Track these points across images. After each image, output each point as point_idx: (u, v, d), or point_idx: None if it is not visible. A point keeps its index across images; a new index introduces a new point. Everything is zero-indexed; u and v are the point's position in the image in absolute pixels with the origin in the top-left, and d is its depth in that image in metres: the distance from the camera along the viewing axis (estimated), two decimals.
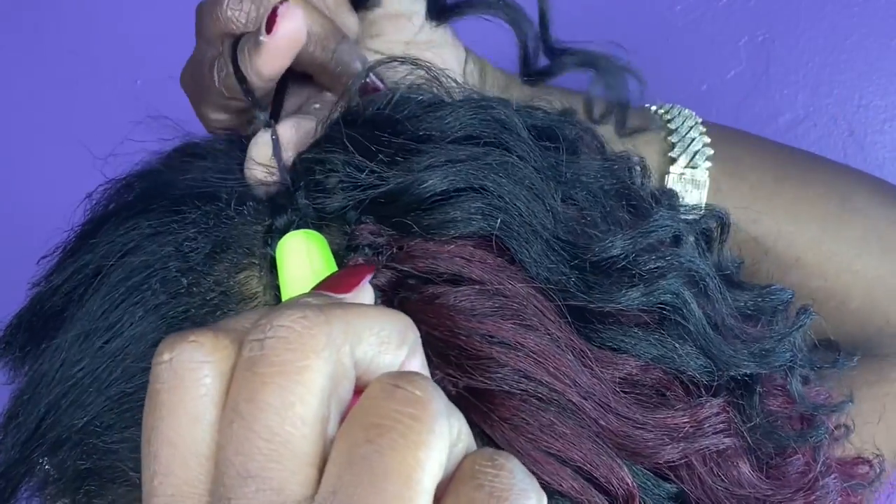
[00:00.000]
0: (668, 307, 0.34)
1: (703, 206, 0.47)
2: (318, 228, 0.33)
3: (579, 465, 0.31)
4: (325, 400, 0.23)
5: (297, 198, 0.34)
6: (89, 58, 0.89)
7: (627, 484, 0.31)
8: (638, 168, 0.39)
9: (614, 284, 0.33)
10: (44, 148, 0.92)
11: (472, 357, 0.31)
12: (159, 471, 0.24)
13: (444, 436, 0.23)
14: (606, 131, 0.48)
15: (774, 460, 0.36)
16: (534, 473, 0.27)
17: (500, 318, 0.31)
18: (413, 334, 0.26)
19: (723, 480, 0.34)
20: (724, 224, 0.40)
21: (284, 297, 0.31)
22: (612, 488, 0.31)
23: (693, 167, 0.52)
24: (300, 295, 0.27)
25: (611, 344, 0.33)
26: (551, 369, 0.31)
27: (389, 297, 0.32)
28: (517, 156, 0.35)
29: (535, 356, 0.31)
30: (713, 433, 0.33)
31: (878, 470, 0.43)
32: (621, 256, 0.34)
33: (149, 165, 0.39)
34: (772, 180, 0.54)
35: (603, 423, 0.31)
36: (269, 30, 0.36)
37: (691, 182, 0.52)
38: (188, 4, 0.90)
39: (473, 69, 0.49)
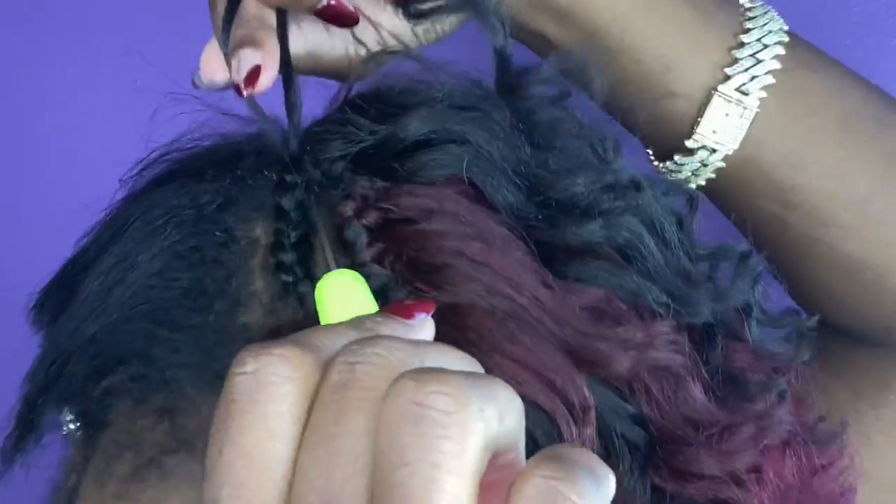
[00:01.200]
0: (628, 245, 0.38)
1: (676, 183, 0.46)
2: (324, 188, 0.37)
3: (541, 372, 0.33)
4: None
5: (305, 163, 0.38)
6: (89, 57, 0.89)
7: (584, 394, 0.34)
8: (610, 142, 0.42)
9: (577, 221, 0.37)
10: (43, 147, 0.92)
11: (442, 272, 0.34)
12: (230, 482, 0.23)
13: (482, 444, 0.22)
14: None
15: (731, 398, 0.39)
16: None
17: (469, 239, 0.35)
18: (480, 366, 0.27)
19: (675, 402, 0.36)
20: (693, 203, 0.44)
21: None
22: (570, 397, 0.33)
23: (744, 93, 0.49)
24: (368, 315, 0.28)
25: (575, 275, 0.37)
26: (514, 284, 0.35)
27: (376, 234, 0.36)
28: (494, 119, 0.39)
29: (499, 272, 0.35)
30: (664, 348, 0.36)
31: (839, 430, 0.43)
32: (583, 194, 0.38)
33: (172, 151, 0.43)
34: (836, 129, 0.50)
35: (560, 336, 0.34)
36: (248, 84, 0.39)
37: (737, 105, 0.49)
38: (188, 4, 0.90)
39: None
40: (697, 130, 0.49)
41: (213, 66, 0.42)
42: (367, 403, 0.23)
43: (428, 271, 0.35)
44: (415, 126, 0.38)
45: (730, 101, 0.49)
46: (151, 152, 0.43)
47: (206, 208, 0.38)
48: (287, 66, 0.41)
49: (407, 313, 0.29)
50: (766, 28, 0.50)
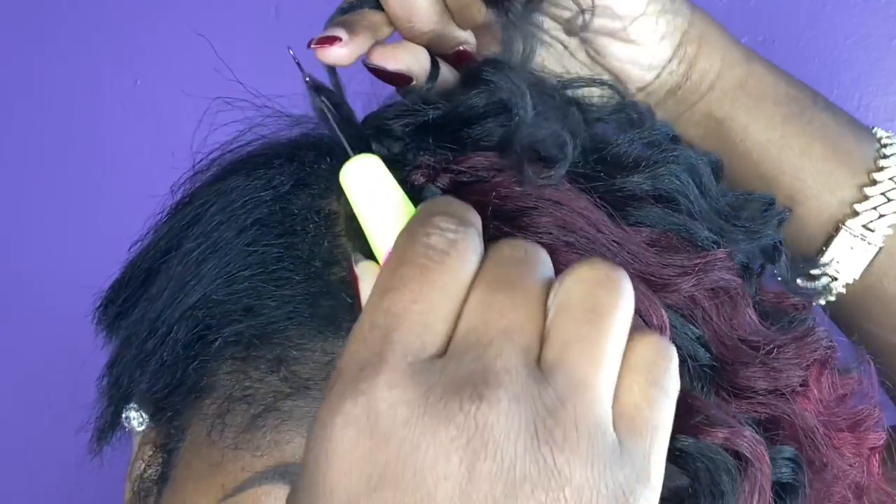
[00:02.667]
0: (676, 191, 0.42)
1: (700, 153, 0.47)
2: (390, 164, 0.39)
3: None
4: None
5: (371, 144, 0.41)
6: (89, 58, 0.89)
7: (662, 314, 0.37)
8: (646, 111, 0.47)
9: (629, 173, 0.41)
10: (43, 148, 0.92)
11: (526, 214, 0.38)
12: (419, 299, 0.29)
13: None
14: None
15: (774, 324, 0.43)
16: None
17: (542, 187, 0.39)
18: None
19: (732, 325, 0.40)
20: (718, 169, 0.46)
21: (369, 218, 0.35)
22: (650, 318, 0.37)
23: (870, 229, 0.51)
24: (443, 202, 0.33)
25: (634, 220, 0.40)
26: (590, 222, 0.38)
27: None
28: (548, 93, 0.44)
29: (575, 210, 0.38)
30: (721, 271, 0.40)
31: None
32: (632, 149, 0.43)
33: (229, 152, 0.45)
34: None
35: (634, 266, 0.38)
36: (320, 42, 0.42)
37: (861, 240, 0.51)
38: (187, 4, 0.90)
39: (683, 58, 0.50)
40: (821, 260, 0.51)
41: (387, 56, 0.44)
42: (542, 272, 0.31)
43: (512, 217, 0.38)
44: (477, 98, 0.41)
45: (855, 236, 0.51)
46: (210, 153, 0.45)
47: (280, 189, 0.41)
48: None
49: None
50: None
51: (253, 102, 0.45)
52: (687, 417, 0.36)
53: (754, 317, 0.41)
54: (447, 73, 0.46)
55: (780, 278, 0.46)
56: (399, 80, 0.45)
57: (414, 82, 0.45)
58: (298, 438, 0.36)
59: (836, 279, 0.52)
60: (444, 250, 0.30)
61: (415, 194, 0.38)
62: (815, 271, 0.52)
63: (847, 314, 0.54)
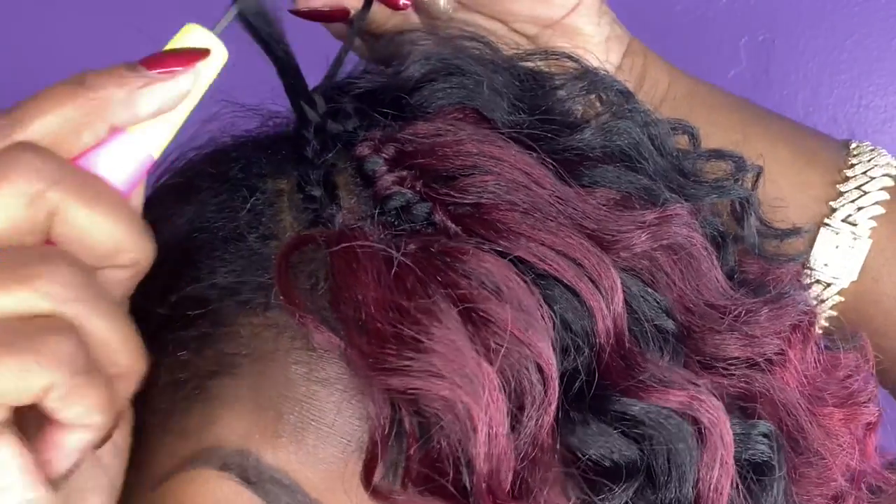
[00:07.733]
0: (629, 148, 0.40)
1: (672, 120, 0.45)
2: (339, 140, 0.39)
3: (568, 254, 0.34)
4: None
5: (326, 123, 0.40)
6: (90, 57, 0.89)
7: (611, 274, 0.34)
8: (606, 76, 0.45)
9: (577, 130, 0.40)
10: None
11: (464, 172, 0.36)
12: None
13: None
14: None
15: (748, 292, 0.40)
16: (535, 261, 0.33)
17: (485, 141, 0.37)
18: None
19: (698, 288, 0.37)
20: (695, 138, 0.45)
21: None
22: (598, 278, 0.34)
23: (852, 223, 0.50)
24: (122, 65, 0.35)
25: (588, 181, 0.38)
26: (534, 178, 0.36)
27: (394, 164, 0.37)
28: (492, 56, 0.43)
29: (517, 167, 0.36)
30: (679, 226, 0.37)
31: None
32: (579, 105, 0.41)
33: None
34: None
35: (582, 224, 0.36)
36: None
37: (847, 237, 0.49)
38: (187, 4, 0.90)
39: (633, 67, 0.51)
40: (808, 264, 0.50)
41: None
42: None
43: (451, 176, 0.37)
44: (417, 64, 0.41)
45: (838, 233, 0.49)
46: (170, 156, 0.44)
47: (229, 173, 0.40)
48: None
49: (168, 63, 0.35)
50: (872, 162, 0.51)
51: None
52: (633, 377, 0.34)
53: (722, 280, 0.38)
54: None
55: (747, 241, 0.44)
56: (336, 14, 0.45)
57: (353, 13, 0.45)
58: (224, 420, 0.34)
59: (830, 285, 0.50)
60: None
61: (360, 167, 0.39)
62: (805, 280, 0.49)
63: (852, 330, 0.50)
